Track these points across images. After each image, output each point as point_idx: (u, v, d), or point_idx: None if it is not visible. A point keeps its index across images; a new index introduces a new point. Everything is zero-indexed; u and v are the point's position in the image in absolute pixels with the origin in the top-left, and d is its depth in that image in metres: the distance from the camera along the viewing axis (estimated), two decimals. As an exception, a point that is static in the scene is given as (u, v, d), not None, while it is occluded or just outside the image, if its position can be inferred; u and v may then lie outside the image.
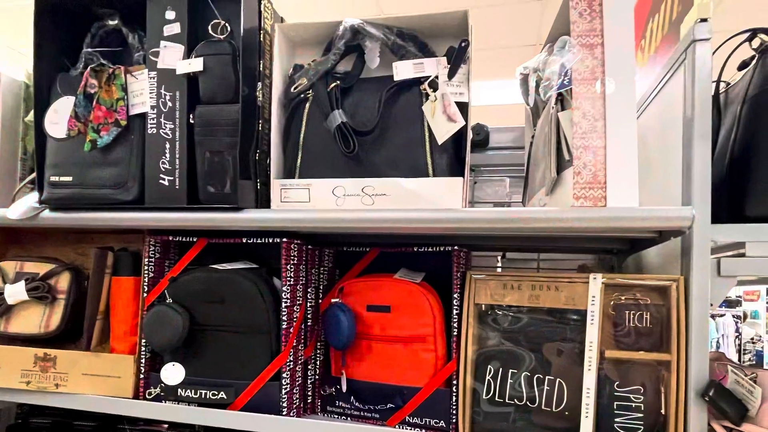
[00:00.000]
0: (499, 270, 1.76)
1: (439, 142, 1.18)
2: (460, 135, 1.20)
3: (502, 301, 1.23)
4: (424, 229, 1.18)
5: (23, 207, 1.37)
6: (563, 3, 1.15)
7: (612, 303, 1.14)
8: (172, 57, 1.29)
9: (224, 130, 1.25)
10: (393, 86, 1.24)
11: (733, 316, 5.61)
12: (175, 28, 1.29)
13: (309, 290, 1.40)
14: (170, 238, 1.39)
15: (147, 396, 1.36)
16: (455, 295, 1.26)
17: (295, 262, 1.32)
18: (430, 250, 1.32)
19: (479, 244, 1.59)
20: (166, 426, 1.58)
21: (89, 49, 1.39)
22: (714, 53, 1.05)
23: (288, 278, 1.29)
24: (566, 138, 1.13)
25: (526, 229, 1.15)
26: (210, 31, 1.28)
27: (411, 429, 1.27)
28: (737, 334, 5.57)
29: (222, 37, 1.27)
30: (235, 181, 1.25)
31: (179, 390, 1.33)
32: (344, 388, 1.34)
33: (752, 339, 5.56)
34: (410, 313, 1.28)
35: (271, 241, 1.30)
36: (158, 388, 1.35)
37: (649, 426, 1.09)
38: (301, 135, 1.28)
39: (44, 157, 1.38)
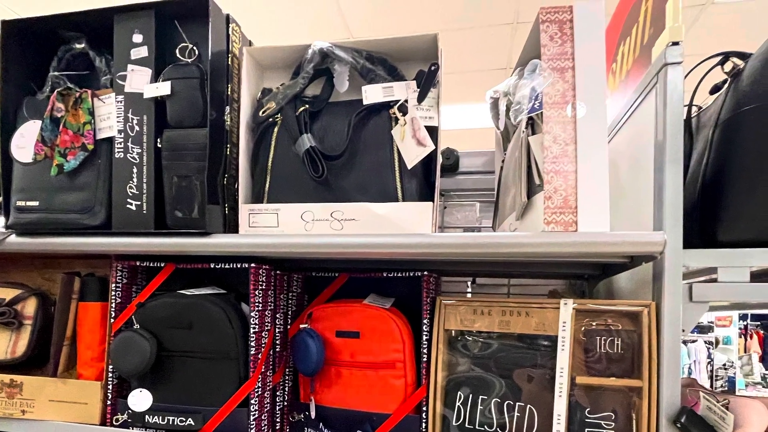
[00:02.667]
0: (469, 295, 1.64)
1: (409, 167, 1.08)
2: (429, 159, 1.09)
3: (472, 326, 1.12)
4: (394, 254, 1.07)
5: (-11, 232, 1.25)
6: (534, 26, 1.06)
7: (583, 329, 1.04)
8: (140, 81, 1.17)
9: (192, 154, 1.13)
10: (362, 110, 1.13)
11: (705, 342, 5.50)
12: (142, 52, 1.17)
13: (277, 316, 1.27)
14: (137, 263, 1.26)
15: (114, 423, 1.23)
16: (425, 321, 1.15)
17: (264, 287, 1.19)
18: (399, 275, 1.21)
19: (449, 269, 1.49)
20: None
21: (56, 73, 1.25)
22: (686, 77, 0.96)
23: (256, 304, 1.16)
24: (537, 162, 1.04)
25: (497, 254, 1.05)
26: (178, 55, 1.16)
27: (381, 457, 1.14)
28: (709, 360, 5.48)
29: (190, 60, 1.16)
30: (202, 206, 1.13)
31: (147, 416, 1.20)
32: (313, 415, 1.22)
33: (724, 365, 5.48)
34: (379, 339, 1.16)
35: (239, 266, 1.18)
36: (125, 415, 1.22)
37: (621, 453, 0.99)
38: (270, 159, 1.17)
39: (10, 181, 1.25)
